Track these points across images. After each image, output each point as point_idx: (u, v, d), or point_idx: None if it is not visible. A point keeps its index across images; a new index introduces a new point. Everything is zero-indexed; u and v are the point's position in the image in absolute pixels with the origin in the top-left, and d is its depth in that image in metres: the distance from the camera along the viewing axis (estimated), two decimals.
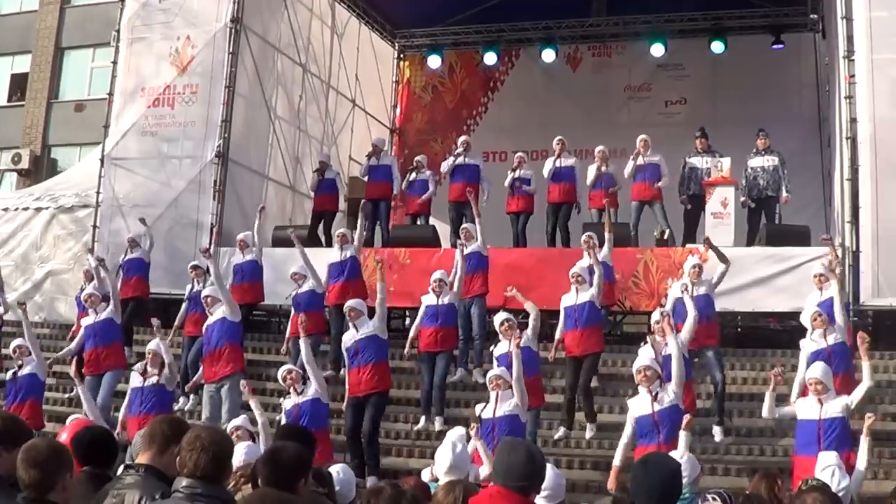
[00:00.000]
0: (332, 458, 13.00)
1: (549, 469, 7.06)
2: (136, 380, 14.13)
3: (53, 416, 16.97)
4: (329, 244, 20.69)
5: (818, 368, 11.70)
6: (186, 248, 20.59)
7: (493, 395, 12.28)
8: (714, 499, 6.60)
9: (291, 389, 13.25)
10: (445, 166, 20.71)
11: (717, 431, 14.78)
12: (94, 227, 22.28)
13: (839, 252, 15.78)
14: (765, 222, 19.70)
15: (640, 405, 11.76)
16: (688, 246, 18.93)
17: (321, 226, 21.62)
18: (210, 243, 18.92)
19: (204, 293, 15.80)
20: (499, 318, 14.11)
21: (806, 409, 11.53)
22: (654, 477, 5.48)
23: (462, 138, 21.16)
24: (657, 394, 11.63)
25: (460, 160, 20.38)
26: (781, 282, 17.44)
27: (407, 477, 9.21)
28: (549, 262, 18.83)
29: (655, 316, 13.76)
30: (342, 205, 24.28)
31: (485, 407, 12.37)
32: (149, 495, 5.55)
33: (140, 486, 5.67)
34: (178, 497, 5.17)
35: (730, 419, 15.36)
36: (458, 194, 20.20)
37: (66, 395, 18.43)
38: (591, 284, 15.44)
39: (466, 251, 17.14)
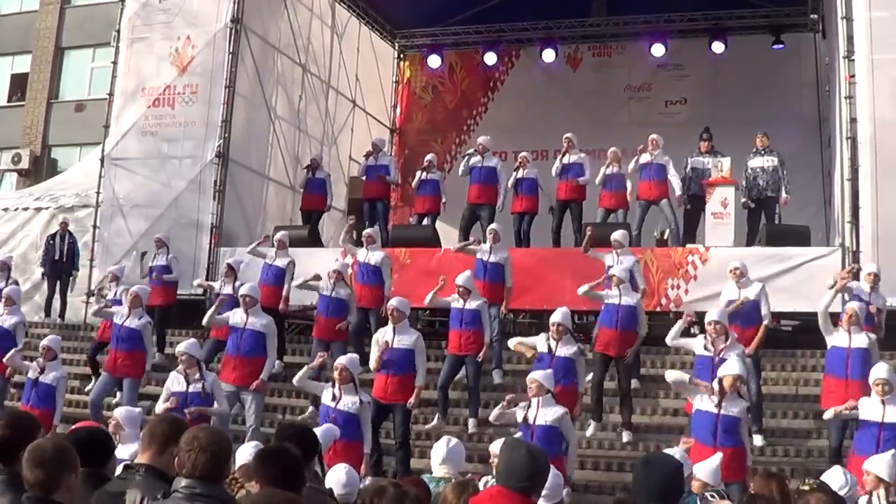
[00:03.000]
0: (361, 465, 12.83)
1: None
2: (177, 383, 13.65)
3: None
4: (320, 244, 20.90)
5: (883, 368, 11.64)
6: (187, 249, 20.59)
7: (534, 400, 11.97)
8: (713, 497, 6.61)
9: (339, 386, 12.74)
10: (462, 167, 20.64)
11: (757, 439, 14.45)
12: (95, 227, 22.28)
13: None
14: (765, 222, 19.71)
15: (705, 402, 11.53)
16: (688, 246, 18.94)
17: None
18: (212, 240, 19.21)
19: (243, 292, 15.57)
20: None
21: (869, 409, 11.44)
22: (655, 476, 5.49)
23: (480, 139, 21.03)
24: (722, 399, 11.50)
25: (476, 159, 20.35)
26: (781, 282, 17.42)
27: (405, 477, 9.24)
28: (549, 262, 18.86)
29: (712, 315, 13.61)
30: (342, 205, 24.31)
31: (527, 409, 12.07)
32: (150, 495, 5.55)
33: (141, 486, 5.68)
34: (177, 497, 5.17)
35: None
36: (475, 196, 20.28)
37: (80, 398, 18.39)
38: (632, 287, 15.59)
39: (493, 259, 17.24)
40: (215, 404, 13.64)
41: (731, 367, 11.59)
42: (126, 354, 16.04)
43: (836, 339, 13.31)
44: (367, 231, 18.57)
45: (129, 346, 16.12)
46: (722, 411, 11.29)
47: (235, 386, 14.87)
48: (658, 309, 18.33)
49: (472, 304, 15.75)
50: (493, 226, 17.97)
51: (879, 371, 11.58)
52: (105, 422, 14.15)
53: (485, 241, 17.86)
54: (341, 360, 12.97)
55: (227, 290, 17.51)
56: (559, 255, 19.31)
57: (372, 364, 14.44)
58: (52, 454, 5.26)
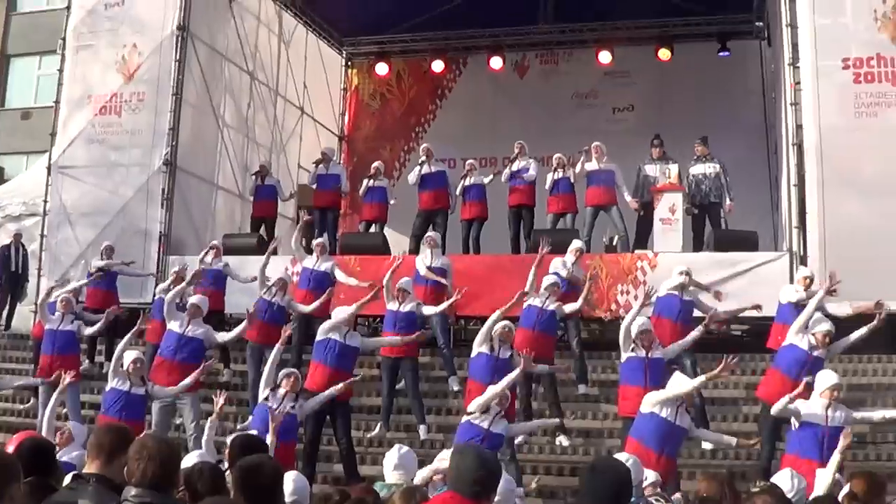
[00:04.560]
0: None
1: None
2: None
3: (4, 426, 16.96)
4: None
5: (834, 375, 11.80)
6: (135, 257, 20.44)
7: (494, 408, 12.12)
8: (657, 500, 6.63)
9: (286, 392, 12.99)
10: (413, 177, 20.69)
11: (705, 443, 14.57)
12: (42, 235, 22.08)
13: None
14: (710, 228, 19.84)
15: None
16: (637, 252, 19.03)
17: (262, 232, 21.78)
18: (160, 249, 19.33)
19: (193, 301, 15.67)
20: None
21: (812, 411, 11.53)
22: (602, 482, 5.47)
23: (424, 146, 21.23)
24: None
25: (426, 169, 20.44)
26: (730, 287, 17.55)
27: (355, 484, 9.22)
28: (500, 269, 18.86)
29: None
30: (290, 212, 24.27)
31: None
32: None
33: (92, 496, 5.58)
34: None
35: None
36: (428, 203, 20.36)
37: (22, 407, 18.31)
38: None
39: (435, 264, 17.36)
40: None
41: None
42: (61, 359, 16.09)
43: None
44: (320, 240, 18.58)
45: (63, 350, 16.38)
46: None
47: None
48: (608, 315, 18.44)
49: (406, 307, 15.83)
50: (430, 233, 18.24)
51: (833, 377, 11.71)
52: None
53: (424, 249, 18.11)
54: (294, 371, 13.17)
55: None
56: (509, 262, 19.35)
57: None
58: None
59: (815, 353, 13.19)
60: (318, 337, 14.67)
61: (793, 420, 11.64)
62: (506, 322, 14.06)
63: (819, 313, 13.57)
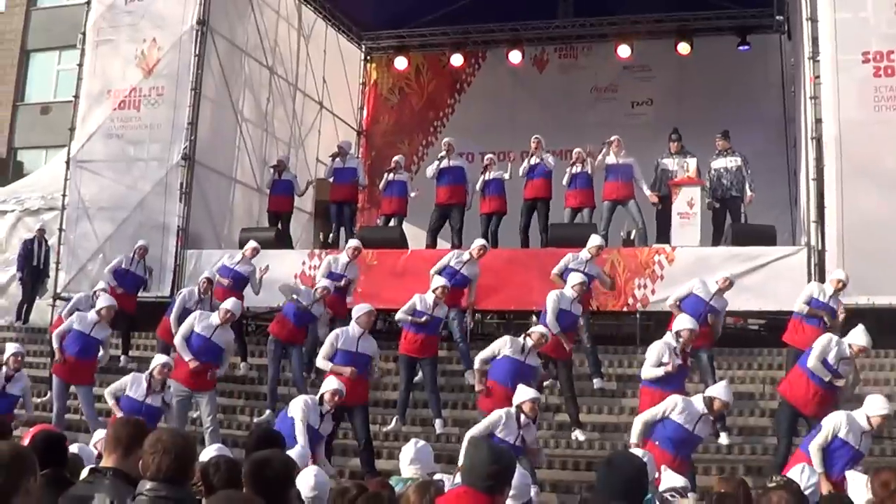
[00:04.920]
0: None
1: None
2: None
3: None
4: (287, 246, 21.14)
5: (887, 404, 11.48)
6: (153, 251, 20.46)
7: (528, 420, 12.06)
8: (673, 496, 6.61)
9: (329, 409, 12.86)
10: (431, 171, 20.67)
11: (722, 437, 14.67)
12: (61, 230, 22.13)
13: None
14: (730, 222, 19.78)
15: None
16: (654, 246, 18.98)
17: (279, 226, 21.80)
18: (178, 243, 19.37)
19: (228, 307, 15.47)
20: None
21: (854, 432, 11.15)
22: (618, 476, 5.46)
23: (445, 140, 21.17)
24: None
25: (445, 163, 20.41)
26: (747, 281, 17.45)
27: (371, 479, 9.23)
28: (516, 263, 18.87)
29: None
30: (308, 206, 24.29)
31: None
32: (119, 499, 5.50)
33: (109, 489, 5.61)
34: (142, 500, 5.15)
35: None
36: (445, 197, 20.35)
37: (38, 400, 18.32)
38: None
39: (465, 271, 17.26)
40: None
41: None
42: (81, 363, 16.10)
43: None
44: (354, 243, 18.46)
45: (85, 354, 16.31)
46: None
47: (190, 389, 14.98)
48: (625, 309, 18.41)
49: (439, 312, 15.79)
50: (483, 242, 17.81)
51: (886, 406, 11.42)
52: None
53: (460, 248, 18.08)
54: (340, 389, 13.00)
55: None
56: (526, 256, 19.34)
57: (321, 362, 14.46)
58: (10, 458, 5.21)
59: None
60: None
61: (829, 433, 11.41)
62: (544, 331, 14.05)
63: (861, 326, 13.42)
